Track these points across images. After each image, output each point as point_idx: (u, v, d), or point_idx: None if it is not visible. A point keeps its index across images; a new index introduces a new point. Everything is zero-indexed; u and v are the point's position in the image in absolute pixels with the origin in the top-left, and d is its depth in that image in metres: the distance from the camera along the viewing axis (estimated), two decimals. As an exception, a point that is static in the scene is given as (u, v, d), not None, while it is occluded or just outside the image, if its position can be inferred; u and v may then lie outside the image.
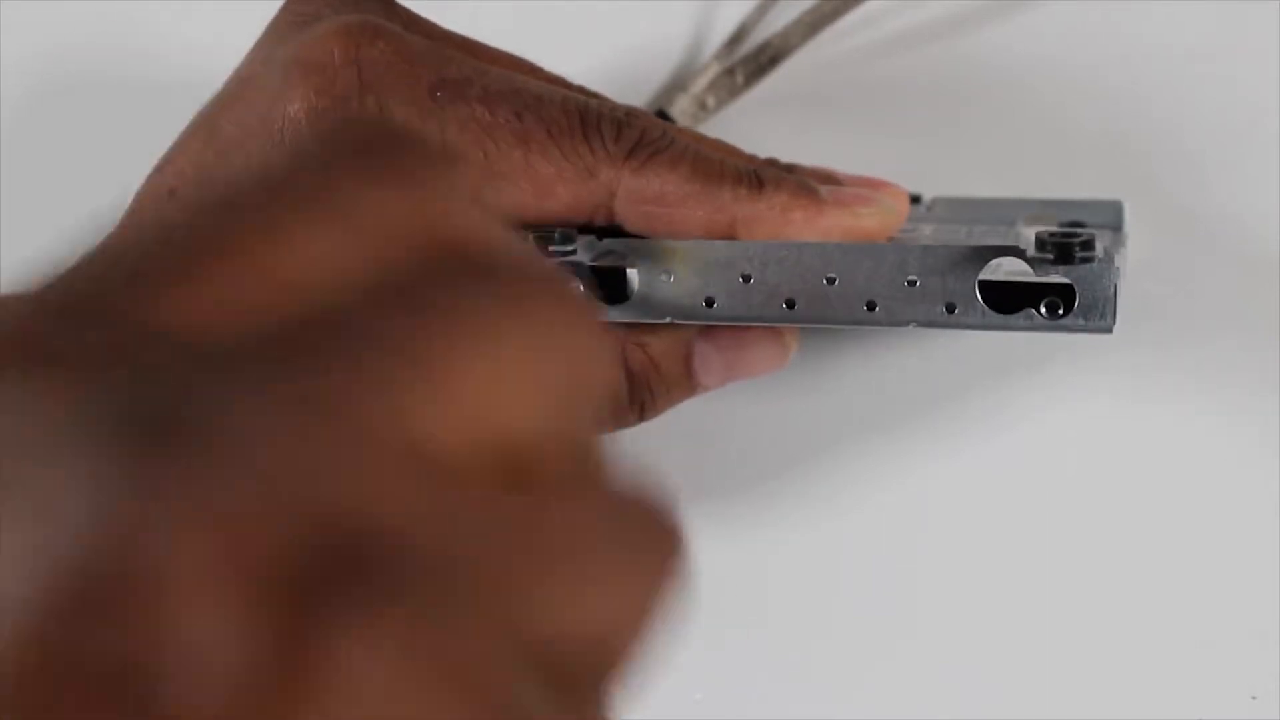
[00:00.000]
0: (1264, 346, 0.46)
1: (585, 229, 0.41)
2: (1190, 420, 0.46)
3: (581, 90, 0.42)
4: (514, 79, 0.41)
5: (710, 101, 0.49)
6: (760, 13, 0.49)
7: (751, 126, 0.48)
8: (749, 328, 0.42)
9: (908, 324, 0.39)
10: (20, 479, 0.17)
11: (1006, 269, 0.39)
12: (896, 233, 0.42)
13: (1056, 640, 0.46)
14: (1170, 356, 0.46)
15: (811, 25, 0.48)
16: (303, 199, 0.20)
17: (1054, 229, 0.40)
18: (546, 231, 0.40)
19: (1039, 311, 0.39)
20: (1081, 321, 0.38)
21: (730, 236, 0.40)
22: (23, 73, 0.52)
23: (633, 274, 0.41)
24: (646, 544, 0.21)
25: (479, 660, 0.18)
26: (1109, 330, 0.38)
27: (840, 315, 0.40)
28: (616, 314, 0.41)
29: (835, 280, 0.40)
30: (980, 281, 0.39)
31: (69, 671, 0.16)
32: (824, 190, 0.41)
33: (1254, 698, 0.45)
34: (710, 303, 0.40)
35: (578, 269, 0.40)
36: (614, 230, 0.41)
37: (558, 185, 0.40)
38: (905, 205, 0.42)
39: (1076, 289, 0.38)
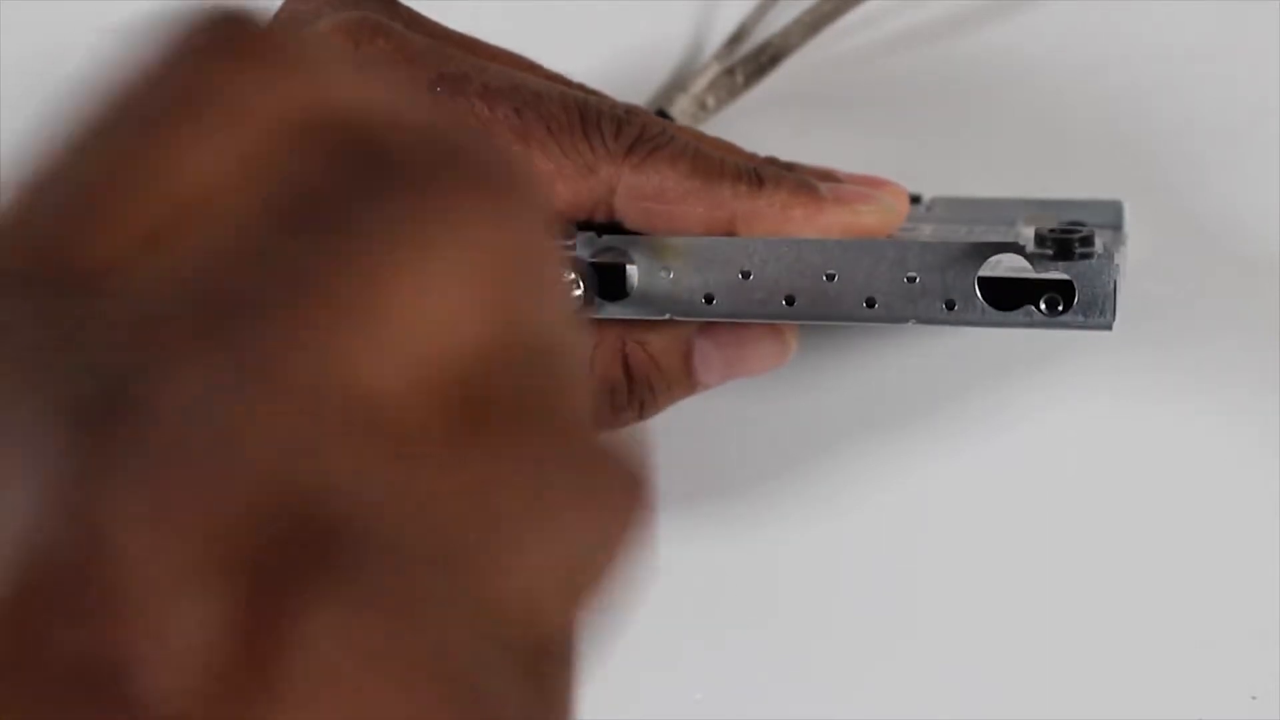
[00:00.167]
0: (1264, 346, 0.46)
1: (585, 225, 0.41)
2: (1190, 420, 0.46)
3: (581, 87, 0.42)
4: (513, 75, 0.41)
5: (710, 101, 0.49)
6: (760, 13, 0.49)
7: (751, 126, 0.48)
8: (749, 325, 0.42)
9: (907, 321, 0.39)
10: None
11: (1006, 266, 0.39)
12: (896, 232, 0.42)
13: (1056, 640, 0.46)
14: (1170, 356, 0.46)
15: (811, 25, 0.48)
16: (177, 106, 0.19)
17: (1054, 225, 0.40)
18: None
19: (1038, 308, 0.38)
20: (1081, 318, 0.38)
21: (730, 233, 0.40)
22: (23, 73, 0.52)
23: (632, 270, 0.41)
24: (603, 483, 0.20)
25: (443, 637, 0.17)
26: (1109, 327, 0.38)
27: (840, 312, 0.40)
28: (616, 310, 0.41)
29: (835, 277, 0.40)
30: (980, 278, 0.39)
31: (34, 666, 0.16)
32: (824, 188, 0.41)
33: (1254, 698, 0.45)
34: (710, 299, 0.40)
35: (577, 265, 0.40)
36: (614, 227, 0.41)
37: (557, 182, 0.40)
38: (905, 204, 0.42)
39: (1076, 285, 0.38)
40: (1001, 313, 0.39)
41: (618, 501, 0.20)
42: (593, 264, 0.41)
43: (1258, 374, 0.46)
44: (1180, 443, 0.46)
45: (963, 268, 0.39)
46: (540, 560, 0.19)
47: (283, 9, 0.42)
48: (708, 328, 0.42)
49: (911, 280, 0.39)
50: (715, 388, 0.43)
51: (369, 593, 0.17)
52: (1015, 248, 0.38)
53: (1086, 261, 0.38)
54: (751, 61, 0.49)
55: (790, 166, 0.43)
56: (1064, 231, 0.38)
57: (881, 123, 0.49)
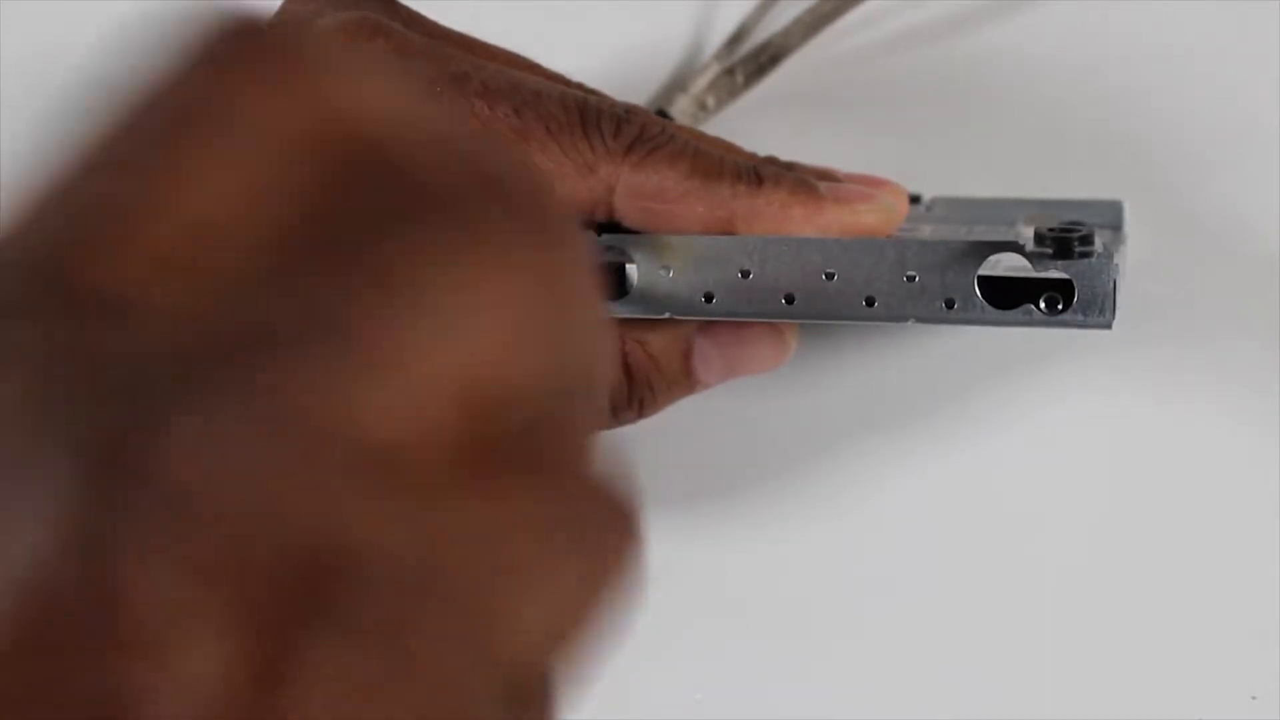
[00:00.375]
0: (1264, 346, 0.46)
1: (584, 224, 0.41)
2: (1190, 420, 0.46)
3: (580, 87, 0.42)
4: (512, 75, 0.41)
5: (710, 101, 0.49)
6: (760, 13, 0.49)
7: (751, 126, 0.48)
8: (748, 324, 0.42)
9: (907, 320, 0.39)
10: None
11: (1006, 264, 0.39)
12: (896, 231, 0.42)
13: (1056, 640, 0.46)
14: (1170, 356, 0.46)
15: (811, 25, 0.48)
16: (190, 123, 0.19)
17: (1053, 225, 0.40)
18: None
19: (1038, 307, 0.38)
20: (1080, 317, 0.38)
21: (729, 232, 0.40)
22: (23, 73, 0.52)
23: (632, 269, 0.41)
24: (599, 529, 0.20)
25: (442, 678, 0.18)
26: (1108, 326, 0.38)
27: (839, 311, 0.40)
28: (616, 309, 0.41)
29: (834, 276, 0.40)
30: (979, 277, 0.39)
31: (44, 702, 0.16)
32: (823, 187, 0.41)
33: (1254, 698, 0.45)
34: (709, 298, 0.40)
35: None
36: (613, 226, 0.41)
37: (556, 181, 0.40)
38: (904, 203, 0.42)
39: (1075, 284, 0.38)
40: (1001, 311, 0.39)
41: (612, 545, 0.20)
42: (592, 263, 0.41)
43: (1258, 374, 0.46)
44: (1180, 442, 0.46)
45: (962, 267, 0.39)
46: (536, 606, 0.19)
47: (282, 9, 0.42)
48: (707, 327, 0.42)
49: (911, 279, 0.39)
50: (715, 387, 0.43)
51: (371, 634, 0.17)
52: (1015, 247, 0.38)
53: (1086, 260, 0.38)
54: (751, 61, 0.49)
55: (790, 166, 0.43)
56: (1063, 230, 0.38)
57: (881, 123, 0.49)
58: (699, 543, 0.47)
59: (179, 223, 0.18)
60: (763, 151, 0.43)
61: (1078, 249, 0.38)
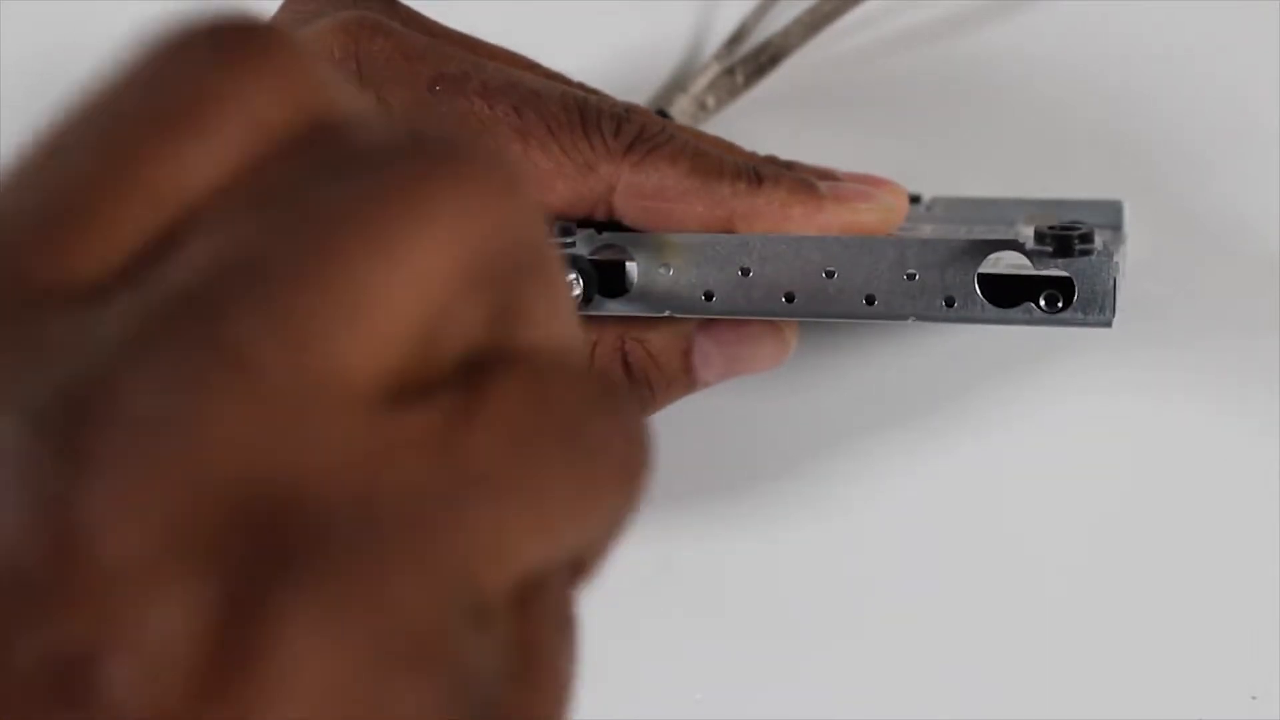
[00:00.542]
0: (1264, 346, 0.46)
1: (584, 223, 0.41)
2: (1190, 420, 0.46)
3: (581, 86, 0.42)
4: (512, 74, 0.41)
5: (710, 101, 0.49)
6: (760, 13, 0.49)
7: (751, 126, 0.48)
8: (748, 322, 0.42)
9: (907, 318, 0.39)
10: None
11: (1006, 263, 0.39)
12: (896, 231, 0.42)
13: (1056, 639, 0.46)
14: (1170, 356, 0.46)
15: (811, 25, 0.48)
16: (155, 116, 0.19)
17: (1053, 223, 0.40)
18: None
19: (1038, 305, 0.38)
20: (1080, 315, 0.38)
21: (729, 231, 0.40)
22: (23, 73, 0.52)
23: (632, 267, 0.41)
24: (594, 450, 0.20)
25: (419, 624, 0.17)
26: (1108, 324, 0.38)
27: (839, 309, 0.40)
28: (616, 307, 0.41)
29: (834, 274, 0.40)
30: (979, 275, 0.39)
31: (3, 666, 0.16)
32: (823, 186, 0.41)
33: (1254, 698, 0.45)
34: (709, 296, 0.40)
35: (577, 262, 0.40)
36: (613, 225, 0.41)
37: (557, 180, 0.40)
38: (904, 203, 0.42)
39: (1075, 282, 0.38)
40: (1001, 310, 0.39)
41: (609, 466, 0.20)
42: (593, 261, 0.41)
43: (1257, 373, 0.46)
44: (1180, 443, 0.46)
45: (962, 265, 0.39)
46: (524, 531, 0.18)
47: (283, 8, 0.42)
48: (707, 325, 0.42)
49: (911, 277, 0.39)
50: (715, 385, 0.43)
51: (341, 580, 0.17)
52: (1015, 245, 0.38)
53: (1086, 258, 0.38)
54: (751, 61, 0.49)
55: (790, 166, 0.43)
56: (1064, 229, 0.38)
57: (881, 123, 0.49)
58: (699, 543, 0.47)
59: (146, 201, 0.18)
60: (763, 151, 0.43)
61: (1078, 247, 0.38)
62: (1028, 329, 0.39)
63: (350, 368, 0.18)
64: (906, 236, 0.41)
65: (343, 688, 0.17)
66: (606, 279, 0.41)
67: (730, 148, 0.43)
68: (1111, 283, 0.38)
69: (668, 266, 0.40)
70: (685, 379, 0.43)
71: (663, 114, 0.48)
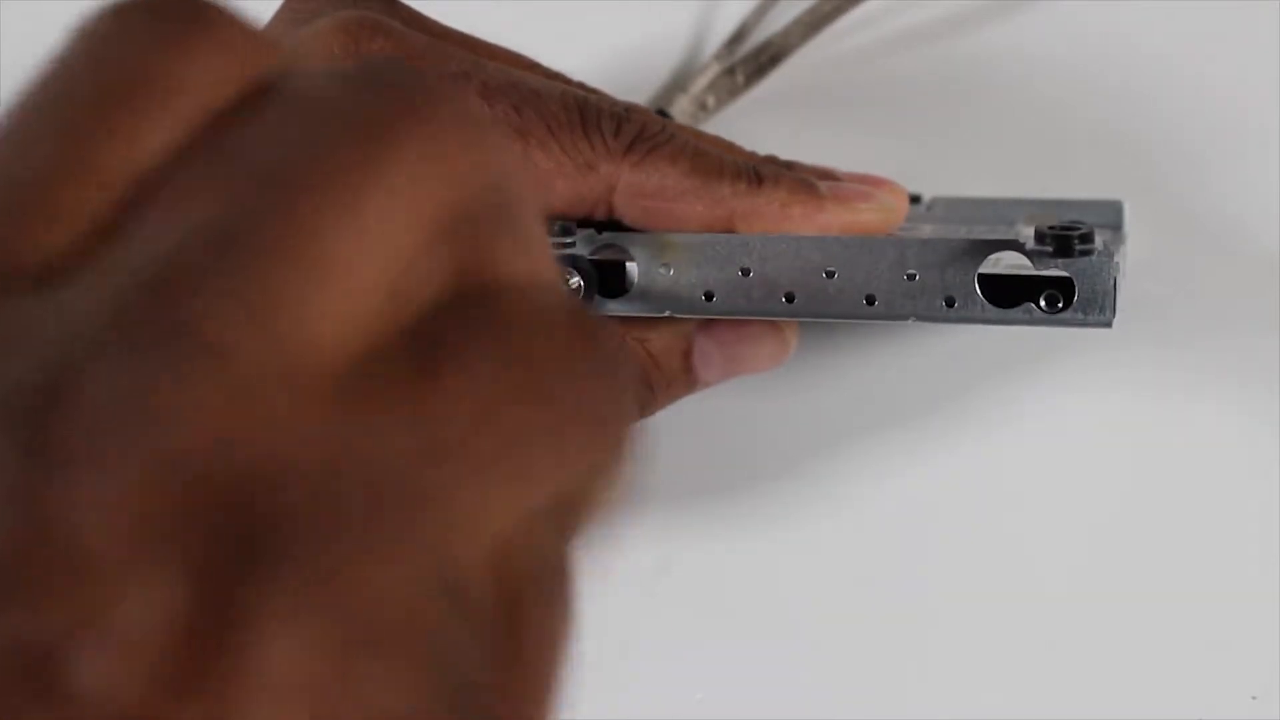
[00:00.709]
0: (1264, 346, 0.46)
1: (585, 223, 0.41)
2: (1190, 420, 0.46)
3: (581, 86, 0.42)
4: (512, 73, 0.41)
5: (710, 101, 0.49)
6: (760, 13, 0.49)
7: (751, 126, 0.48)
8: (748, 322, 0.42)
9: (907, 318, 0.39)
10: None
11: (1006, 263, 0.39)
12: (896, 231, 0.42)
13: (1056, 639, 0.46)
14: (1170, 356, 0.46)
15: (811, 25, 0.48)
16: (103, 94, 0.19)
17: (1053, 223, 0.40)
18: (545, 224, 0.40)
19: (1038, 305, 0.38)
20: (1081, 315, 0.38)
21: (729, 231, 0.40)
22: (23, 72, 0.52)
23: (632, 267, 0.41)
24: (566, 399, 0.19)
25: (391, 604, 0.17)
26: (1108, 324, 0.38)
27: (839, 309, 0.40)
28: (616, 307, 0.41)
29: (834, 274, 0.40)
30: (980, 275, 0.39)
31: None
32: (823, 186, 0.41)
33: (1254, 698, 0.45)
34: (709, 296, 0.40)
35: (576, 261, 0.40)
36: (613, 224, 0.41)
37: (557, 179, 0.40)
38: (904, 202, 0.42)
39: (1076, 282, 0.38)
40: (1001, 310, 0.39)
41: (586, 418, 0.19)
42: (593, 261, 0.41)
43: (1258, 373, 0.46)
44: (1180, 443, 0.46)
45: (963, 265, 0.39)
46: (501, 495, 0.18)
47: (283, 8, 0.42)
48: (708, 325, 0.42)
49: (911, 277, 0.39)
50: (715, 385, 0.43)
51: (308, 566, 0.17)
52: (1015, 245, 0.38)
53: (1086, 259, 0.38)
54: (751, 61, 0.49)
55: (790, 166, 0.43)
56: (1064, 229, 0.38)
57: (881, 123, 0.49)
58: (699, 543, 0.47)
59: (99, 181, 0.18)
60: (763, 151, 0.43)
61: (1078, 247, 0.38)
62: (1028, 329, 0.39)
63: (317, 340, 0.18)
64: (907, 236, 0.41)
65: (316, 677, 0.16)
66: (606, 279, 0.41)
67: (730, 147, 0.43)
68: (1112, 283, 0.38)
69: (668, 266, 0.40)
70: (685, 379, 0.43)
71: (663, 114, 0.48)
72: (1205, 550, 0.45)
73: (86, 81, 0.19)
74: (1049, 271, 0.38)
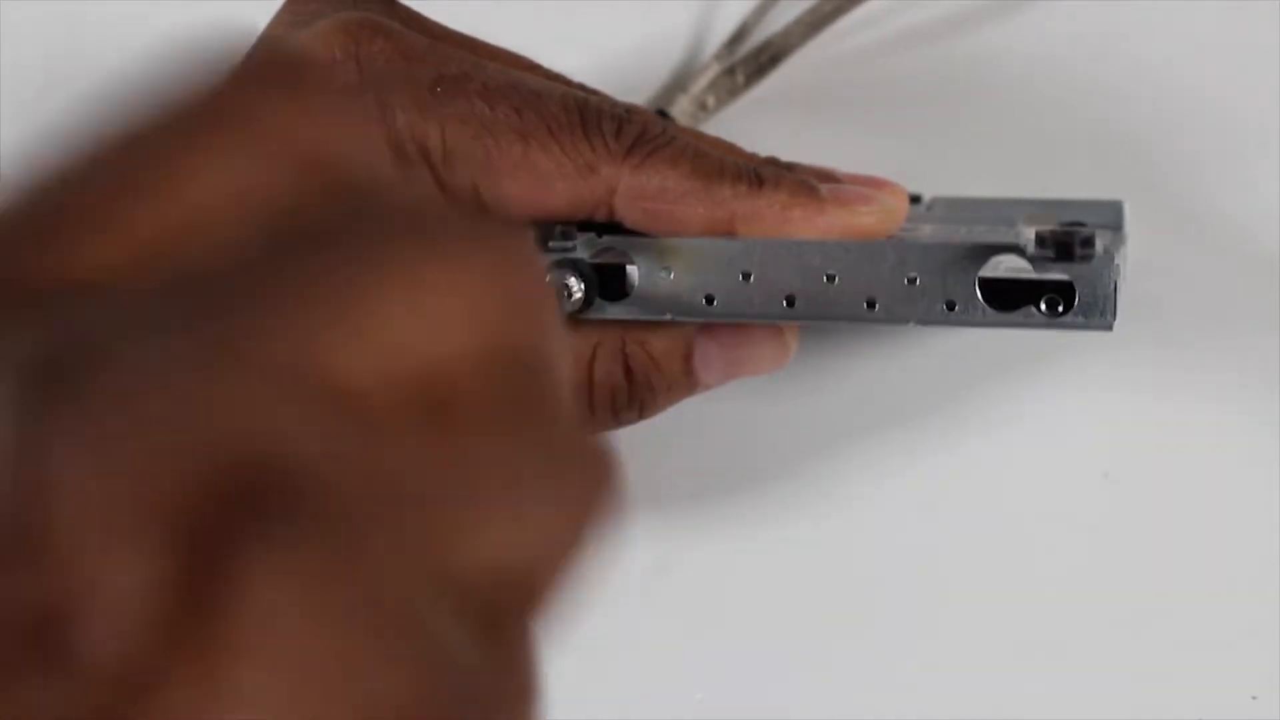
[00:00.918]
0: (1264, 346, 0.46)
1: (585, 225, 0.41)
2: (1190, 420, 0.46)
3: (581, 87, 0.42)
4: (513, 75, 0.41)
5: (710, 101, 0.49)
6: (760, 13, 0.49)
7: (751, 126, 0.48)
8: (749, 326, 0.42)
9: (908, 322, 0.39)
10: None
11: (1007, 266, 0.39)
12: (896, 232, 0.42)
13: (1056, 639, 0.46)
14: (1170, 356, 0.46)
15: (811, 25, 0.48)
16: (198, 127, 0.19)
17: (1054, 226, 0.40)
18: (546, 228, 0.40)
19: (1039, 309, 0.38)
20: (1081, 319, 0.38)
21: (730, 234, 0.40)
22: (24, 73, 0.52)
23: (632, 271, 0.41)
24: (575, 475, 0.20)
25: (392, 593, 0.17)
26: (1109, 328, 0.38)
27: (840, 313, 0.40)
28: (616, 311, 0.41)
29: (835, 278, 0.40)
30: (980, 279, 0.39)
31: None
32: (824, 188, 0.41)
33: (1254, 698, 0.45)
34: (710, 300, 0.40)
35: (577, 265, 0.40)
36: (614, 227, 0.41)
37: (557, 181, 0.40)
38: (905, 204, 0.42)
39: (1076, 286, 0.38)
40: (1002, 314, 0.39)
41: (588, 482, 0.20)
42: (593, 264, 0.41)
43: (1258, 374, 0.46)
44: (1180, 443, 0.46)
45: (963, 269, 0.39)
46: (504, 529, 0.19)
47: (283, 9, 0.42)
48: (708, 328, 0.42)
49: (912, 281, 0.39)
50: (715, 389, 0.43)
51: (315, 546, 0.17)
52: (1016, 249, 0.38)
53: (1087, 262, 0.38)
54: (751, 61, 0.49)
55: (790, 167, 0.43)
56: (1065, 232, 0.38)
57: (881, 123, 0.49)
58: (699, 543, 0.47)
59: (154, 213, 0.19)
60: (763, 151, 0.43)
61: (1079, 251, 0.38)
62: (1028, 330, 0.39)
63: (348, 369, 0.18)
64: (907, 240, 0.41)
65: (310, 651, 0.17)
66: (607, 282, 0.41)
67: (731, 149, 0.43)
68: (1112, 287, 0.38)
69: (668, 270, 0.40)
70: (686, 382, 0.43)
71: (663, 114, 0.48)
72: (1205, 550, 0.46)
73: (170, 116, 0.19)
74: (1050, 275, 0.38)
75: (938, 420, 0.47)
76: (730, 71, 0.49)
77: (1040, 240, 0.38)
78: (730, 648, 0.47)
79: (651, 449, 0.46)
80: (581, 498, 0.20)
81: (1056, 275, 0.38)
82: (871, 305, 0.39)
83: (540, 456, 0.20)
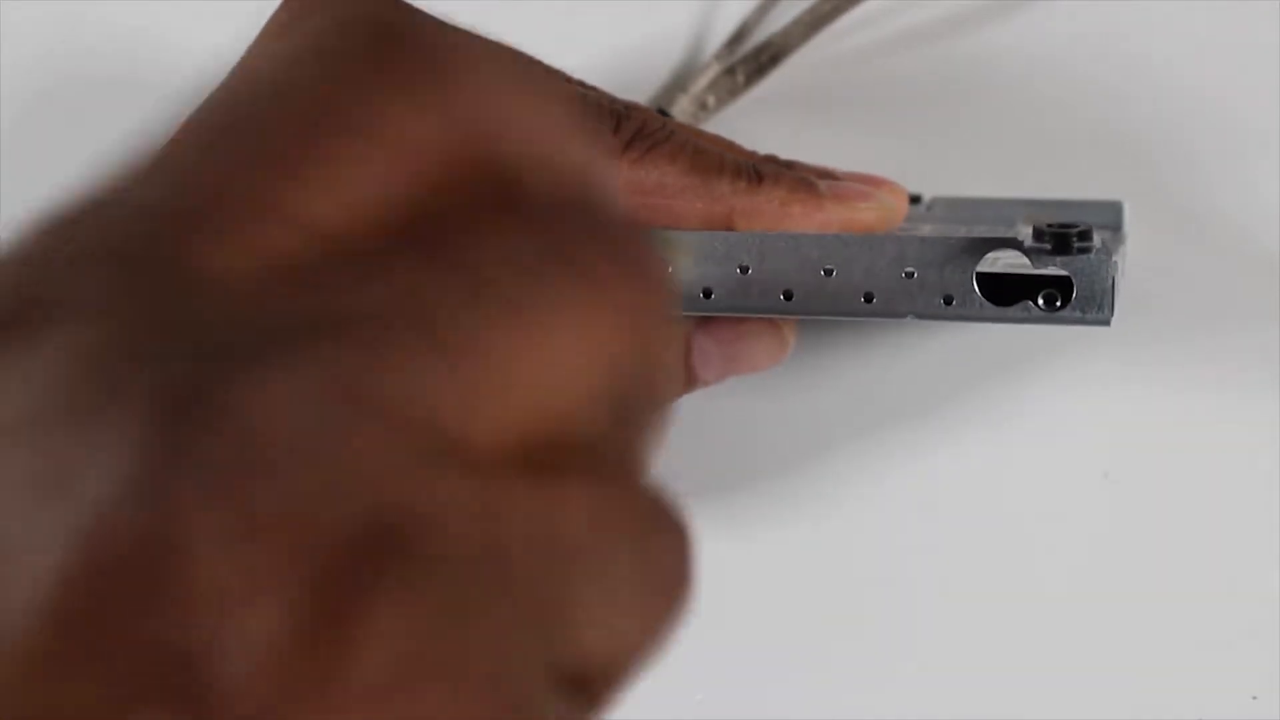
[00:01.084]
0: (1264, 346, 0.46)
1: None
2: (1190, 420, 0.46)
3: (580, 84, 0.42)
4: (513, 70, 0.41)
5: (710, 101, 0.49)
6: (760, 12, 0.49)
7: (751, 126, 0.48)
8: (747, 320, 0.42)
9: (905, 316, 0.39)
10: (52, 451, 0.17)
11: (1004, 261, 0.39)
12: (895, 230, 0.42)
13: (1056, 639, 0.46)
14: (1170, 355, 0.46)
15: (811, 25, 0.48)
16: (323, 126, 0.19)
17: (1052, 220, 0.40)
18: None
19: (1037, 303, 0.38)
20: (1079, 313, 0.38)
21: (729, 229, 0.40)
22: (24, 73, 0.52)
23: (630, 265, 0.41)
24: (663, 545, 0.20)
25: (499, 650, 0.18)
26: (1107, 323, 0.38)
27: (838, 307, 0.40)
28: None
29: (833, 272, 0.40)
30: (978, 273, 0.39)
31: (105, 653, 0.16)
32: (822, 185, 0.41)
33: (1254, 698, 0.45)
34: (708, 294, 0.40)
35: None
36: (612, 223, 0.41)
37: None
38: (904, 202, 0.42)
39: (1074, 280, 0.38)
40: (1000, 308, 0.39)
41: (671, 552, 0.20)
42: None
43: (1257, 373, 0.46)
44: (1180, 442, 0.46)
45: (961, 263, 0.39)
46: (597, 605, 0.19)
47: (284, 5, 0.42)
48: (706, 323, 0.42)
49: (910, 275, 0.39)
50: (714, 384, 0.43)
51: (431, 600, 0.17)
52: (1014, 243, 0.38)
53: (1085, 257, 0.38)
54: (751, 61, 0.49)
55: (790, 164, 0.43)
56: (1062, 227, 0.38)
57: (881, 123, 0.49)
58: (698, 543, 0.47)
59: (295, 223, 0.18)
60: (763, 151, 0.43)
61: (1076, 245, 0.38)
62: (1027, 327, 0.39)
63: (482, 433, 0.18)
64: (905, 234, 0.41)
65: (419, 697, 0.17)
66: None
67: (730, 146, 0.43)
68: (1110, 281, 0.38)
69: (666, 264, 0.40)
70: (684, 378, 0.43)
71: (663, 113, 0.48)
72: (1205, 550, 0.45)
73: (299, 110, 0.19)
74: (1047, 270, 0.38)
75: (938, 419, 0.47)
76: (730, 71, 0.49)
77: (1038, 234, 0.38)
78: (730, 648, 0.47)
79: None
80: (665, 561, 0.20)
81: (1054, 269, 0.38)
82: (869, 299, 0.39)
83: (628, 517, 0.20)
